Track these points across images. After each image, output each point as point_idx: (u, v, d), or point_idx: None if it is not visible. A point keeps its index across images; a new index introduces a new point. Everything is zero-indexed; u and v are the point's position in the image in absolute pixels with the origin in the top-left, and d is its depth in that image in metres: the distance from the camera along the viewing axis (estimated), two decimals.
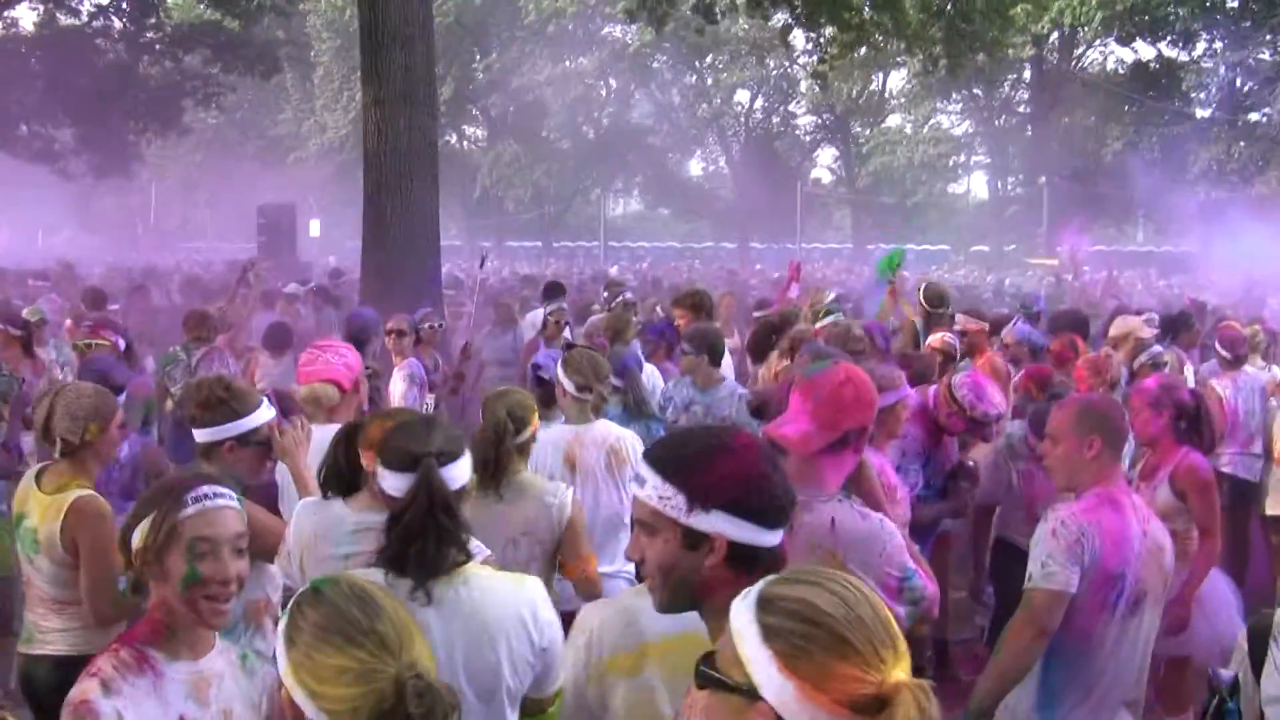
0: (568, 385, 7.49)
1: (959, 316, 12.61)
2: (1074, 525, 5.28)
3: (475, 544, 4.42)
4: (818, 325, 11.90)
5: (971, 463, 8.83)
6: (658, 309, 16.15)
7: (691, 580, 3.19)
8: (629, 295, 16.76)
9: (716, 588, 3.13)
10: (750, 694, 2.36)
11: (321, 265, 42.54)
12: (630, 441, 7.39)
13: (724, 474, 3.15)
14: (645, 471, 3.24)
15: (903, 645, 2.36)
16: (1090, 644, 5.29)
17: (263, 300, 17.36)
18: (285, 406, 7.09)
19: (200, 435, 5.74)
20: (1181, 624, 7.03)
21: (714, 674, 2.46)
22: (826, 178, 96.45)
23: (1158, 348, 11.45)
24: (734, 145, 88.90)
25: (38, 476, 6.13)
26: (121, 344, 10.82)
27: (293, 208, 40.56)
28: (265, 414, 5.78)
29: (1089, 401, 5.96)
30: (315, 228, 70.61)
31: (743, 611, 2.45)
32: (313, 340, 13.17)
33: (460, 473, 4.24)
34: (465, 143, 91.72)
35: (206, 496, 3.72)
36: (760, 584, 2.50)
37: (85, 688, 3.55)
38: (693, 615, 3.53)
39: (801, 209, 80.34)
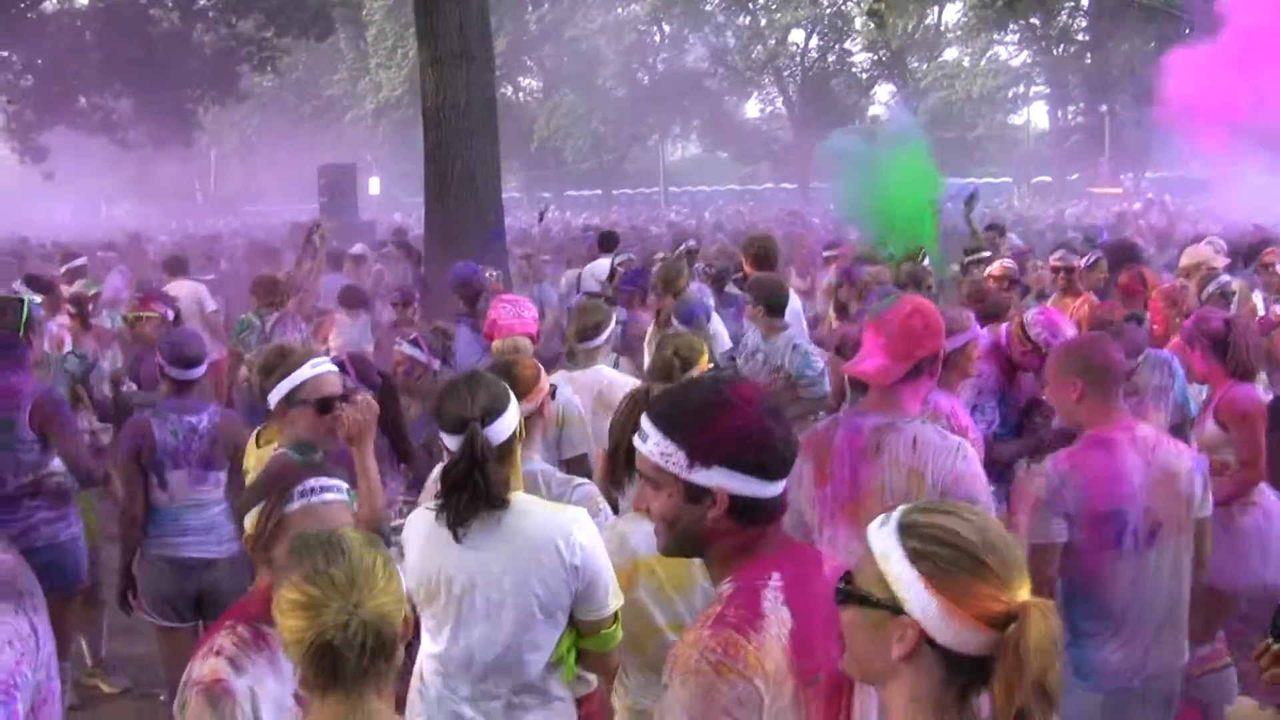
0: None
1: (1059, 251, 12.61)
2: (1055, 476, 5.47)
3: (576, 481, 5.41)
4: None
5: (1046, 397, 8.85)
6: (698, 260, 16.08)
7: (695, 530, 3.29)
8: (692, 243, 16.76)
9: (719, 537, 3.28)
10: (894, 609, 2.68)
11: (386, 223, 42.75)
12: (621, 387, 7.49)
13: (724, 430, 3.23)
14: (647, 426, 3.32)
15: (1026, 569, 2.66)
16: (1103, 582, 5.40)
17: (329, 262, 17.48)
18: (361, 370, 7.14)
19: (270, 401, 5.88)
20: None
21: (858, 591, 2.76)
22: (885, 115, 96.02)
23: (1225, 277, 11.38)
24: (790, 85, 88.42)
25: (257, 435, 6.57)
26: (170, 315, 10.94)
27: (353, 168, 40.60)
28: (307, 371, 5.74)
29: (1069, 344, 6.11)
30: (375, 185, 70.94)
31: (886, 536, 2.74)
32: (393, 294, 13.35)
33: (505, 427, 4.72)
34: (521, 94, 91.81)
35: (313, 491, 3.95)
36: (898, 512, 2.78)
37: (214, 666, 3.70)
38: None
39: None
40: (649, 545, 4.44)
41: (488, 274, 13.70)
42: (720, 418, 3.24)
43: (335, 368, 5.95)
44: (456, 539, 4.57)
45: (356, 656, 3.06)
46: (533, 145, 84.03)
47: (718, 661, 3.03)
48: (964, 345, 7.16)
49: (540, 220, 18.58)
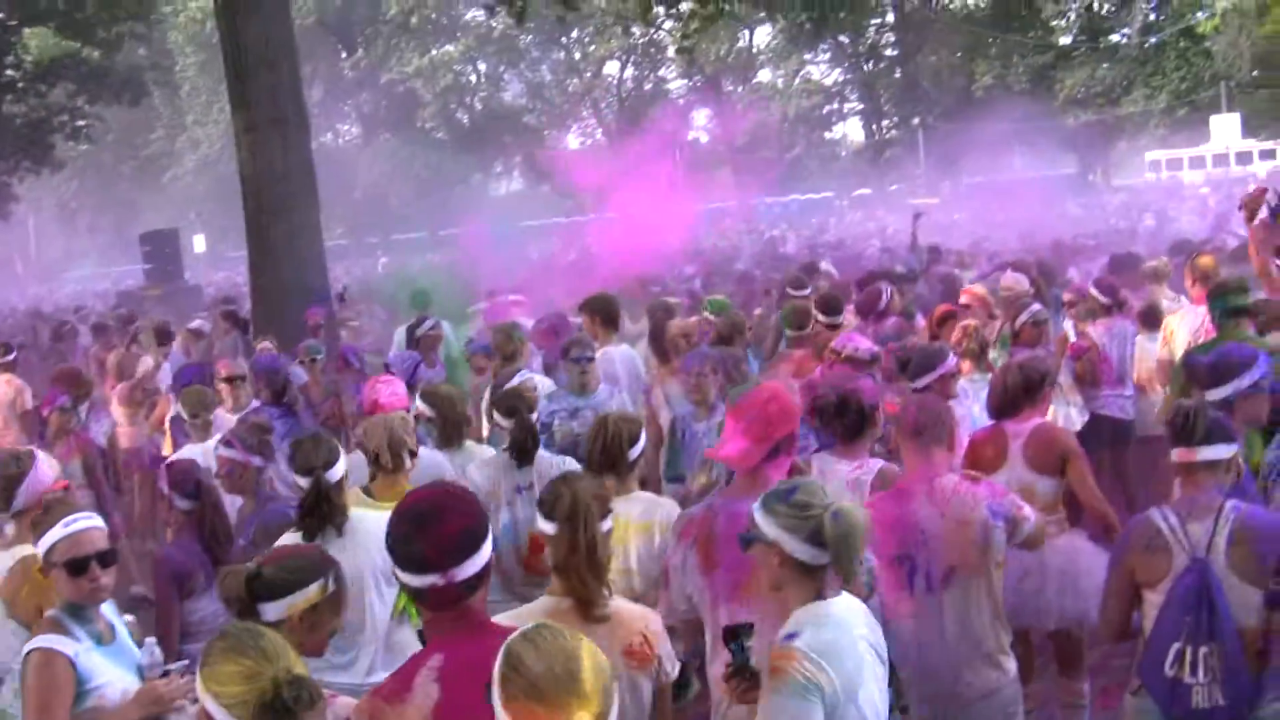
0: None
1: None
2: None
3: None
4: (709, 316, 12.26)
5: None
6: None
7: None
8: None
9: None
10: None
11: (212, 284, 42.32)
12: None
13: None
14: None
15: (589, 691, 3.16)
16: (900, 617, 5.84)
17: (158, 337, 17.35)
18: (175, 480, 7.15)
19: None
20: None
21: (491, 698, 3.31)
22: (704, 139, 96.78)
23: (1037, 305, 11.53)
24: (608, 115, 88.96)
25: (366, 491, 7.10)
26: None
27: (175, 233, 40.23)
28: (58, 532, 5.48)
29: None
30: (200, 243, 70.12)
31: (500, 658, 3.28)
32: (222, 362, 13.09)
33: (337, 472, 6.54)
34: (340, 140, 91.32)
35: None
36: (513, 636, 3.33)
37: None
38: (620, 506, 5.79)
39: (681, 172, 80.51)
40: (636, 515, 6.58)
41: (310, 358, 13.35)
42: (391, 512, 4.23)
43: (96, 522, 5.64)
44: (326, 539, 6.32)
45: (300, 706, 3.76)
46: (356, 192, 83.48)
47: None
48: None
49: (341, 300, 18.56)
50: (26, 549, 6.25)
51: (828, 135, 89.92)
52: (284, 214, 19.17)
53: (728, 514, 5.43)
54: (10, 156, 44.01)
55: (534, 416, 8.23)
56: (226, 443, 8.19)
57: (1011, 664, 6.06)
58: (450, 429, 8.58)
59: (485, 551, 4.14)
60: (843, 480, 6.70)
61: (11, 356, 14.92)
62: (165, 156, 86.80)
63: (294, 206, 19.30)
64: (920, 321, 12.71)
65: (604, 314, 11.76)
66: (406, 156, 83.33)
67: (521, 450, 7.80)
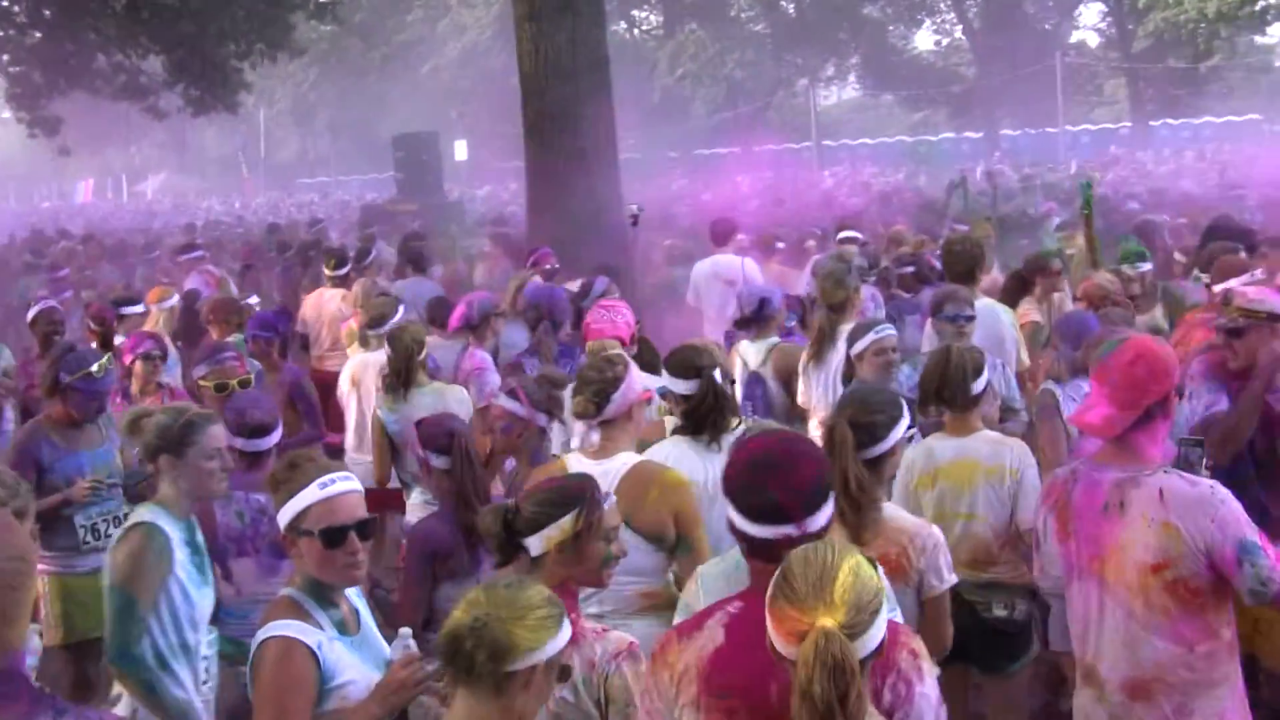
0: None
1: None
2: None
3: None
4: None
5: None
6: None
7: None
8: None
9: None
10: None
11: (475, 201, 42.86)
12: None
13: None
14: None
15: (837, 601, 3.85)
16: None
17: (414, 264, 17.79)
18: (428, 437, 7.38)
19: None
20: None
21: None
22: (1093, 41, 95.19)
23: None
24: (972, 10, 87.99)
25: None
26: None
27: (434, 137, 40.77)
28: (312, 494, 5.43)
29: None
30: (461, 150, 71.10)
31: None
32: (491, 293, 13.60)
33: (719, 374, 7.43)
34: (637, 32, 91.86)
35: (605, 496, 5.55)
36: (795, 550, 4.09)
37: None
38: (968, 445, 7.69)
39: (1063, 84, 79.28)
40: (949, 457, 7.76)
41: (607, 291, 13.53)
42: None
43: (355, 484, 5.57)
44: (720, 448, 7.19)
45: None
46: (654, 95, 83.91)
47: (654, 652, 4.66)
48: None
49: (634, 223, 18.46)
50: (631, 456, 7.07)
51: (1258, 40, 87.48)
52: (570, 119, 19.41)
53: (1087, 482, 5.77)
54: (242, 37, 44.30)
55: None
56: (511, 393, 8.30)
57: None
58: None
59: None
60: None
61: (343, 271, 15.63)
62: (423, 43, 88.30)
63: (582, 111, 19.50)
64: None
65: (973, 264, 11.75)
66: (717, 54, 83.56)
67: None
